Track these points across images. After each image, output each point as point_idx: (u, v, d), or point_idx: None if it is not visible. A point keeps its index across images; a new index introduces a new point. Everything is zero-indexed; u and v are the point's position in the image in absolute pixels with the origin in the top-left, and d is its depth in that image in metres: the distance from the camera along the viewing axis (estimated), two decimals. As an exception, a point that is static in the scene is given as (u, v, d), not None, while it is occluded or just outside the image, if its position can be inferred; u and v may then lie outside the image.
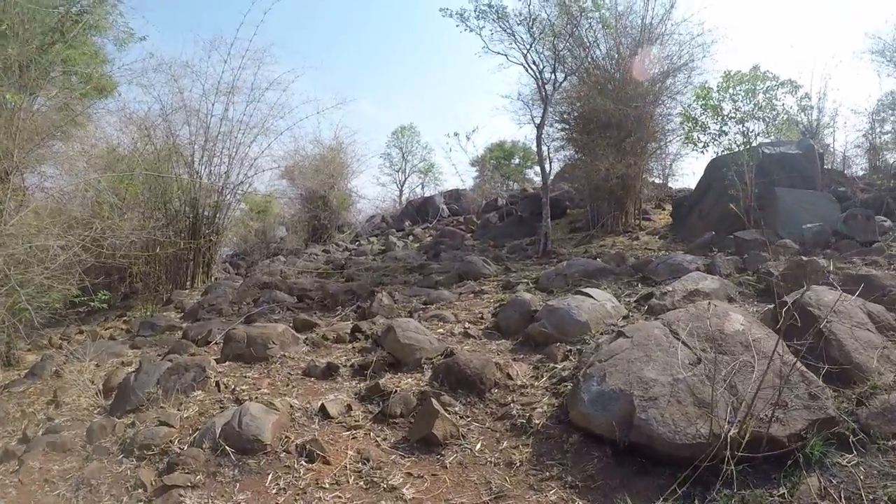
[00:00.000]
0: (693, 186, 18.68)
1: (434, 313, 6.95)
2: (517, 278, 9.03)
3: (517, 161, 37.23)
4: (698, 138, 12.63)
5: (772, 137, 12.55)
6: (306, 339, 6.53)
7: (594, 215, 15.10)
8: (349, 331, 6.75)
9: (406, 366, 5.31)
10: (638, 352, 4.20)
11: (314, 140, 22.11)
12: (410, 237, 18.76)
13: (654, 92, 14.87)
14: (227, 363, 5.95)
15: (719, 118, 12.26)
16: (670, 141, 15.72)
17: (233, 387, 5.20)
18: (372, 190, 33.86)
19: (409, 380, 5.03)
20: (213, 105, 12.89)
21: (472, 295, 8.24)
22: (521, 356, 5.46)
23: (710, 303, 4.81)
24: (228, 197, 13.61)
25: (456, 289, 8.79)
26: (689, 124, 12.53)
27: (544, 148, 12.50)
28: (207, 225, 12.87)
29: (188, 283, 12.59)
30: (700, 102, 12.39)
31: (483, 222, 18.66)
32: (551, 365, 5.10)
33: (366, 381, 5.12)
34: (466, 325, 6.49)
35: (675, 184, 18.99)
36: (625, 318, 5.98)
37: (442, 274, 10.42)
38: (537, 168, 33.67)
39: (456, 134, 18.96)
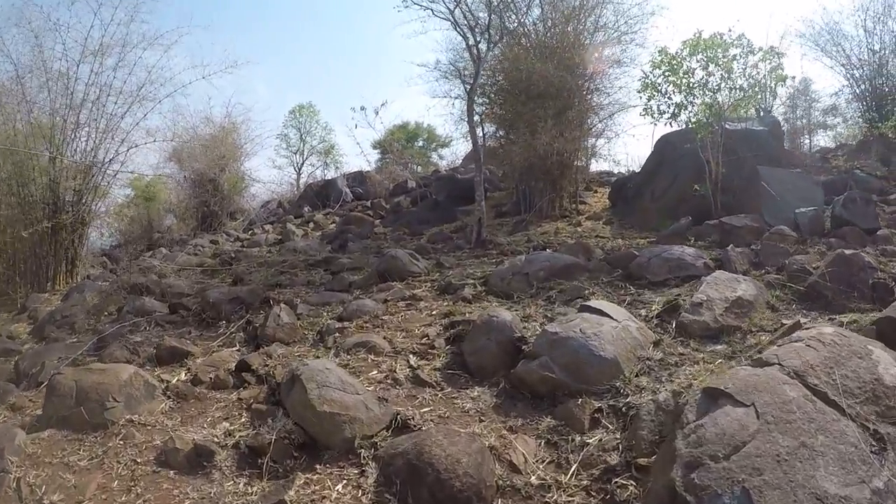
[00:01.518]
0: (616, 171, 17.42)
1: (357, 339, 4.75)
2: (458, 278, 6.97)
3: (421, 143, 35.21)
4: (657, 109, 10.95)
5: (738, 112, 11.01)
6: (168, 386, 4.23)
7: (525, 198, 13.24)
8: (233, 367, 4.47)
9: (329, 451, 3.16)
10: (785, 437, 2.30)
11: (205, 118, 19.75)
12: (311, 224, 16.28)
13: (593, 60, 13.13)
14: (47, 432, 3.72)
15: (685, 87, 10.61)
16: (610, 115, 14.02)
17: (39, 495, 3.01)
18: (267, 173, 30.80)
19: (340, 488, 2.81)
20: (78, 67, 10.00)
21: (402, 304, 6.10)
22: (520, 421, 3.37)
23: (836, 331, 2.92)
24: (98, 178, 10.69)
25: (378, 293, 6.62)
26: (650, 91, 10.80)
27: (476, 117, 10.37)
28: (71, 212, 9.98)
29: (48, 283, 9.77)
30: (663, 68, 10.69)
31: (393, 207, 16.45)
32: (577, 439, 3.08)
33: (261, 483, 2.88)
34: (411, 359, 4.37)
35: (596, 166, 17.41)
36: (655, 345, 4.00)
37: (355, 271, 8.23)
38: (443, 151, 31.68)
39: (363, 108, 16.47)
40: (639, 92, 11.37)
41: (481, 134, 14.54)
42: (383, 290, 6.78)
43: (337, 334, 5.03)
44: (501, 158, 14.69)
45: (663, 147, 12.40)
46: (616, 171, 17.39)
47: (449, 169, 22.00)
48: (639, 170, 15.84)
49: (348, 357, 4.43)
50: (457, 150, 33.08)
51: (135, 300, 7.12)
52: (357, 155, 38.39)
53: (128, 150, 10.70)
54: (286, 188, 25.68)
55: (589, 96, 13.27)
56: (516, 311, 5.23)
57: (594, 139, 13.79)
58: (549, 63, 12.25)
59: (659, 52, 10.84)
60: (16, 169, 9.37)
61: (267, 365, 4.42)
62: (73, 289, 8.81)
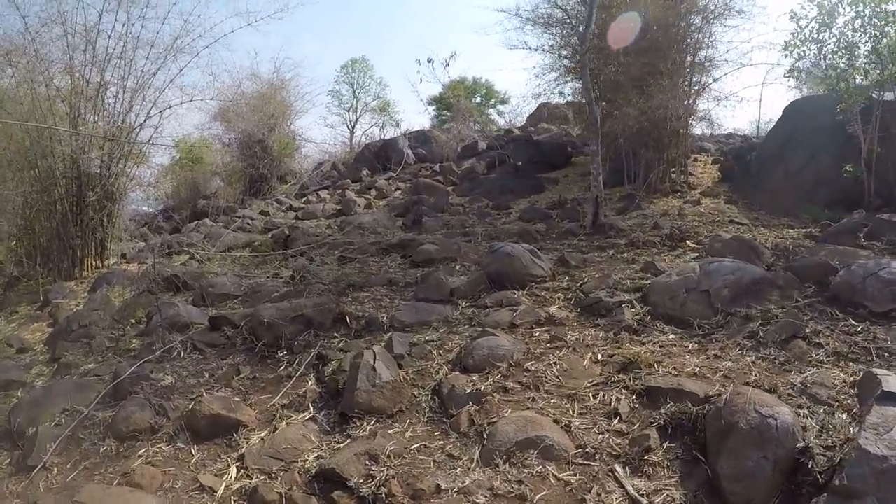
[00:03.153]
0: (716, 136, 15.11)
1: (514, 428, 2.89)
2: (600, 287, 5.13)
3: (479, 99, 32.89)
4: (799, 70, 8.95)
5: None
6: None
7: (627, 167, 11.18)
8: (314, 472, 2.76)
9: None
10: None
11: (251, 74, 18.16)
12: (373, 191, 14.48)
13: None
14: None
15: (843, 46, 8.57)
16: (725, 74, 11.70)
17: None
18: (319, 132, 28.89)
19: None
20: (101, 16, 8.28)
21: (544, 335, 4.29)
22: None
23: None
24: (127, 146, 9.07)
25: (498, 310, 4.82)
26: (797, 48, 8.73)
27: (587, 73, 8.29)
28: (97, 187, 8.39)
29: (75, 269, 8.32)
30: (816, 19, 8.60)
31: (466, 172, 14.51)
32: None
33: None
34: (620, 474, 2.55)
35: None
36: None
37: (445, 264, 6.45)
38: (501, 107, 29.24)
39: (430, 60, 14.51)
40: (784, 49, 9.26)
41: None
42: (501, 304, 4.97)
43: (472, 407, 3.22)
44: (583, 122, 12.60)
45: (794, 117, 10.33)
46: (717, 137, 15.11)
47: (515, 128, 19.85)
48: (752, 137, 13.61)
49: (514, 471, 2.63)
50: (517, 107, 30.82)
51: (167, 306, 5.48)
52: (420, 112, 36.18)
53: (161, 112, 8.91)
54: (340, 148, 23.90)
55: (701, 51, 11.01)
56: (718, 358, 3.40)
57: (705, 101, 11.48)
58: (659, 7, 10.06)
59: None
60: (33, 139, 7.76)
61: (371, 475, 2.66)
62: (101, 278, 7.24)
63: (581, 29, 8.49)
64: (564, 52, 13.16)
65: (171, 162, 18.10)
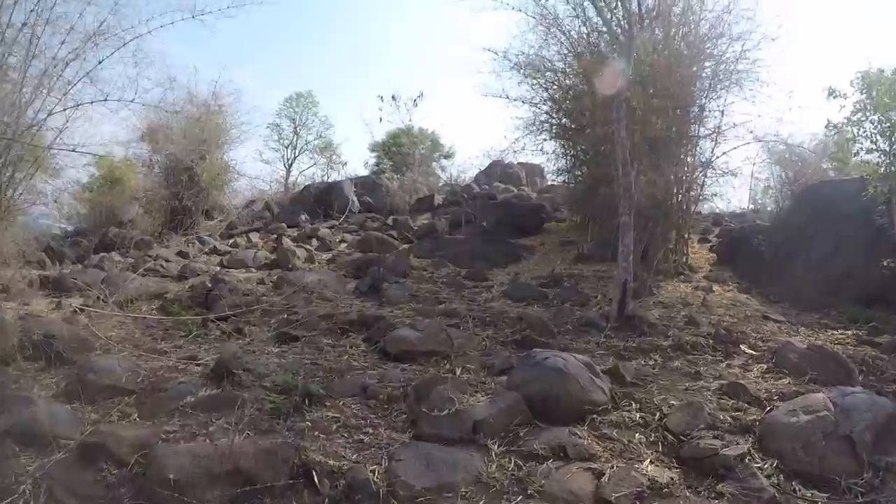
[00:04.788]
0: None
1: None
2: (695, 429, 3.39)
3: (422, 151, 31.39)
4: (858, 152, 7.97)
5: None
6: None
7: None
8: None
9: None
10: None
11: (189, 95, 15.77)
12: (314, 241, 12.41)
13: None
14: None
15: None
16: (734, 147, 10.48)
17: None
18: (253, 167, 26.28)
19: None
20: None
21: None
22: None
23: None
24: (18, 149, 6.87)
25: (559, 466, 3.00)
26: (855, 128, 7.75)
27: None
28: None
29: None
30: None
31: (425, 231, 12.69)
32: None
33: None
34: None
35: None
36: None
37: (437, 363, 4.64)
38: (444, 161, 27.67)
39: (394, 97, 12.79)
40: (833, 127, 8.23)
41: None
42: (561, 453, 3.18)
43: None
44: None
45: (813, 202, 9.28)
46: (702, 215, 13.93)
47: (476, 184, 18.30)
48: (746, 216, 12.48)
49: None
50: (465, 163, 29.50)
51: (21, 401, 3.37)
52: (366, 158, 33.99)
53: (66, 110, 6.78)
54: (274, 187, 21.69)
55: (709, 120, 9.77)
56: None
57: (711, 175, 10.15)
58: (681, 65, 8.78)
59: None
60: None
61: None
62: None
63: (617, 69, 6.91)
64: (545, 106, 11.87)
65: (89, 179, 16.14)
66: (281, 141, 25.78)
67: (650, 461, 3.20)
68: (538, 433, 3.44)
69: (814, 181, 10.57)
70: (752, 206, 14.98)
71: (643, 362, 5.04)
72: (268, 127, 25.20)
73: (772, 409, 4.03)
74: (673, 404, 3.95)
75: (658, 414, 3.80)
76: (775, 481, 3.08)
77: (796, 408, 3.58)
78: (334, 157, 25.07)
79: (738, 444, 3.38)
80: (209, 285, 7.90)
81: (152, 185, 15.91)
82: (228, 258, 10.74)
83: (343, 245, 12.43)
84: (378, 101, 13.03)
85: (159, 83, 8.26)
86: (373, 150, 24.96)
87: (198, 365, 4.75)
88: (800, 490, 3.03)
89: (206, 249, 12.01)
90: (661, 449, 3.45)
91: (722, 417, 3.77)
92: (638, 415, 3.79)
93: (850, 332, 6.72)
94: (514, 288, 7.78)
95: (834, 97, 8.41)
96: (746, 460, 3.22)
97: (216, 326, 6.16)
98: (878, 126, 7.98)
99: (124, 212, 15.57)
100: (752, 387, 4.46)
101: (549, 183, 18.34)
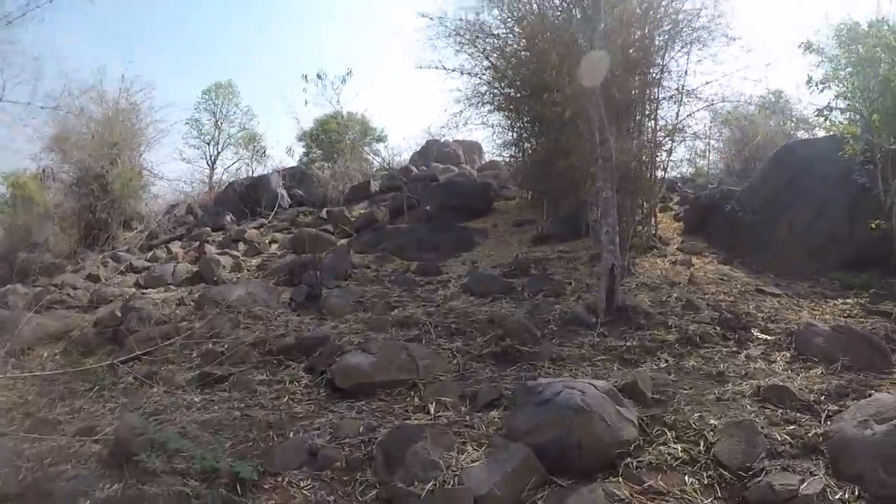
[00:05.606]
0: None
1: None
2: (754, 458, 2.57)
3: (352, 136, 29.87)
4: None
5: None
6: None
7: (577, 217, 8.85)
8: None
9: None
10: None
11: (96, 95, 14.60)
12: (241, 245, 11.07)
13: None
14: None
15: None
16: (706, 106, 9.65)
17: None
18: (174, 167, 24.32)
19: None
20: None
21: None
22: None
23: None
24: None
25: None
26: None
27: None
28: None
29: None
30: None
31: (364, 221, 11.49)
32: None
33: None
34: None
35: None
36: None
37: (401, 396, 3.70)
38: (377, 145, 26.33)
39: (319, 76, 11.42)
40: (815, 83, 7.52)
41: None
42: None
43: None
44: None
45: (790, 163, 8.59)
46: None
47: (415, 166, 17.09)
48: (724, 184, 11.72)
49: None
50: (395, 145, 28.36)
51: None
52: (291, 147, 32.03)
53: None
54: (197, 188, 20.00)
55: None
56: None
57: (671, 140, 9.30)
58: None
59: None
60: None
61: None
62: None
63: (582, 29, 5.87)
64: (486, 76, 10.82)
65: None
66: (202, 137, 24.11)
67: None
68: (563, 497, 2.46)
69: (769, 142, 9.94)
70: (691, 171, 14.44)
71: (654, 365, 4.10)
72: (186, 123, 23.44)
73: (831, 418, 3.24)
74: (714, 425, 3.11)
75: (702, 443, 2.96)
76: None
77: (865, 416, 2.96)
78: (258, 149, 23.44)
79: (811, 472, 2.68)
80: (119, 314, 6.58)
81: (63, 198, 14.49)
82: (145, 276, 9.33)
83: (274, 246, 11.15)
84: (302, 81, 11.46)
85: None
86: (301, 140, 23.46)
87: (96, 441, 3.51)
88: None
89: (122, 268, 10.50)
90: (719, 493, 2.62)
91: (779, 438, 2.96)
92: (678, 447, 2.91)
93: (851, 302, 6.12)
94: (475, 281, 6.73)
95: (810, 52, 7.73)
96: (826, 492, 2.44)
97: (127, 370, 4.93)
98: (858, 82, 7.29)
99: (39, 232, 14.16)
100: (790, 385, 3.64)
101: (489, 160, 17.52)
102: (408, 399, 3.79)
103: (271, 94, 43.10)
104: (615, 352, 4.33)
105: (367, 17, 43.76)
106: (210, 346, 5.34)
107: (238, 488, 2.72)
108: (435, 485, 2.48)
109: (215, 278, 8.64)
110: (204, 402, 4.08)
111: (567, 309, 5.34)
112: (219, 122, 24.03)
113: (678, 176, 13.56)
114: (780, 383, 3.66)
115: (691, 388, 3.68)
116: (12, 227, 14.53)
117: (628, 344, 4.44)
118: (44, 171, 15.26)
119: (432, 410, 3.53)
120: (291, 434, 3.39)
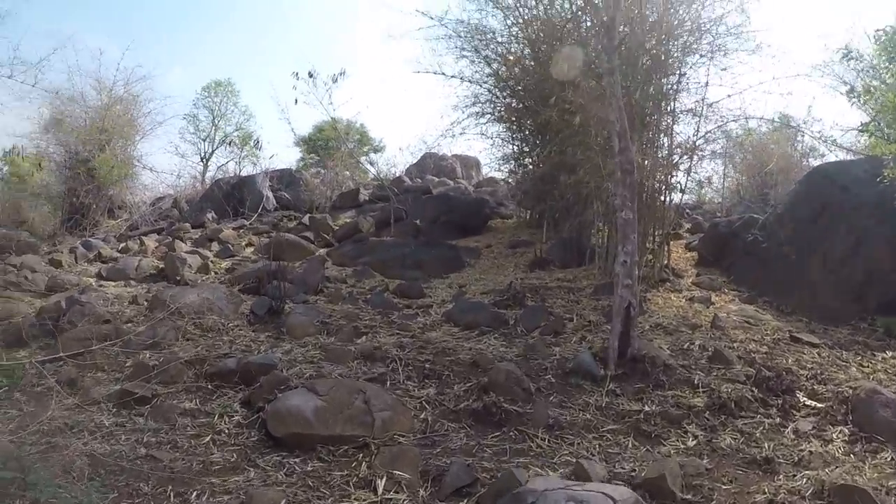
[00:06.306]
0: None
1: None
2: None
3: (351, 146, 29.08)
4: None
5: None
6: None
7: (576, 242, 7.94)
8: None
9: None
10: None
11: (96, 82, 14.26)
12: (214, 244, 10.15)
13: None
14: None
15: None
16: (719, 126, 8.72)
17: None
18: (168, 160, 23.68)
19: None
20: None
21: None
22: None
23: None
24: None
25: None
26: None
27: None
28: None
29: None
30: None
31: (347, 231, 10.55)
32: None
33: None
34: None
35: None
36: None
37: (349, 461, 2.74)
38: (374, 155, 25.54)
39: (311, 75, 10.56)
40: (856, 94, 6.68)
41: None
42: None
43: None
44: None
45: (823, 187, 7.57)
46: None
47: (408, 177, 16.18)
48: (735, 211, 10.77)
49: None
50: (390, 157, 27.71)
51: None
52: (288, 147, 31.39)
53: None
54: (188, 182, 19.20)
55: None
56: None
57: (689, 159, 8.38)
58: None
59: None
60: None
61: None
62: None
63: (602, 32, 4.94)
64: (487, 83, 9.96)
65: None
66: (198, 133, 23.58)
67: None
68: None
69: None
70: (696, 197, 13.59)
71: (680, 443, 3.15)
72: (184, 118, 22.93)
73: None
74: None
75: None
76: None
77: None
78: (253, 149, 22.69)
79: None
80: (64, 306, 5.69)
81: (52, 180, 14.48)
82: (108, 268, 8.49)
83: (249, 249, 10.22)
84: (293, 79, 10.61)
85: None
86: (297, 145, 22.77)
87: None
88: None
89: (91, 256, 9.72)
90: None
91: None
92: None
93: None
94: (461, 309, 5.78)
95: (848, 60, 6.85)
96: None
97: (53, 372, 4.10)
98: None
99: (30, 211, 14.07)
100: (862, 480, 2.72)
101: (487, 175, 16.68)
102: (353, 465, 2.88)
103: (271, 94, 42.19)
104: (630, 419, 3.38)
105: (367, 18, 43.05)
106: (148, 356, 4.46)
107: None
108: None
109: (178, 278, 7.82)
110: (113, 428, 3.32)
111: (569, 354, 4.37)
112: (216, 120, 23.47)
113: (687, 201, 12.70)
114: (850, 480, 2.73)
115: (732, 483, 2.75)
116: (1, 203, 14.21)
117: (646, 409, 3.49)
118: (40, 154, 15.09)
119: (380, 489, 2.60)
120: (193, 496, 2.49)
